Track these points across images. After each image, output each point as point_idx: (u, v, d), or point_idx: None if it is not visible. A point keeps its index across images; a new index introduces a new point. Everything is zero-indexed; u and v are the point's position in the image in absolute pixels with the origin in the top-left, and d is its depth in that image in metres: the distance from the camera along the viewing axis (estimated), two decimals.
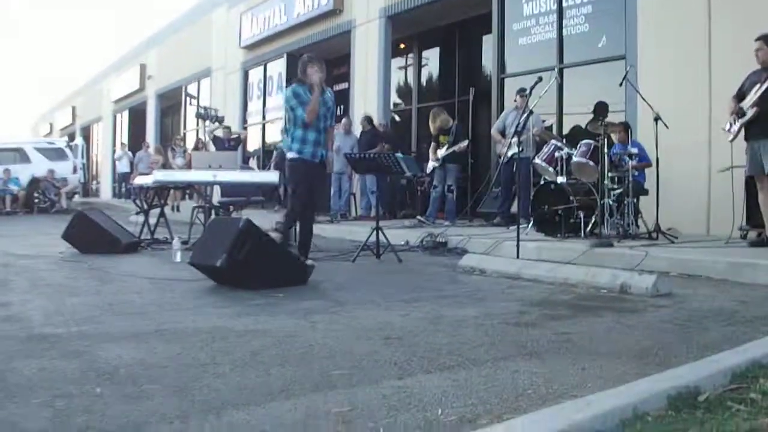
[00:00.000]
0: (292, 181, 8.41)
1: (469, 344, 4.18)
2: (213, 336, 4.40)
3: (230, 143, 18.02)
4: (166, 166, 19.96)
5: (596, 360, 3.76)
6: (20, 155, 26.15)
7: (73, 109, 46.11)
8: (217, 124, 17.69)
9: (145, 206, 11.61)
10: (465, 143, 13.10)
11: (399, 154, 10.12)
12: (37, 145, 28.14)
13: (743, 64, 8.72)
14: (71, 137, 39.47)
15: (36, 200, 25.04)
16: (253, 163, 22.13)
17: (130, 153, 27.62)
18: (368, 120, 15.90)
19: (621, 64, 11.48)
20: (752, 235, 9.00)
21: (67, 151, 27.34)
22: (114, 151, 33.68)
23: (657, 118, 9.62)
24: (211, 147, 18.17)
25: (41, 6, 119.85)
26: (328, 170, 9.18)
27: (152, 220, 11.42)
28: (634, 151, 10.01)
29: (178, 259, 8.69)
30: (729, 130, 8.63)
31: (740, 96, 8.55)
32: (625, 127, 10.56)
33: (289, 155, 8.30)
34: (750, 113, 8.30)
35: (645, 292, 6.02)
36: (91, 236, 9.98)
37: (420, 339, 4.34)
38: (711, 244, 8.86)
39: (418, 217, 13.40)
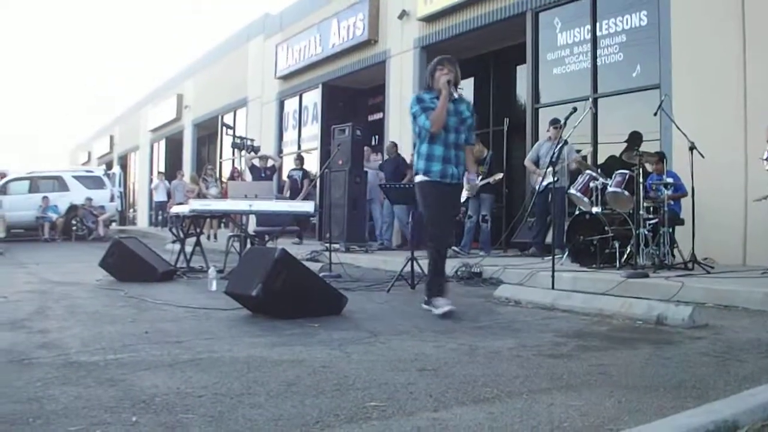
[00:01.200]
0: (422, 206, 7.15)
1: (505, 376, 4.16)
2: (248, 365, 4.41)
3: (266, 172, 18.12)
4: (200, 195, 20.10)
5: (633, 393, 3.74)
6: (59, 183, 26.56)
7: (111, 138, 46.64)
8: (253, 153, 17.83)
9: (182, 235, 11.68)
10: (500, 175, 13.11)
11: None
12: (76, 173, 28.46)
13: None
14: (109, 166, 40.00)
15: (74, 228, 25.29)
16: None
17: (166, 182, 27.85)
18: (394, 146, 15.89)
19: (655, 94, 11.43)
20: None
21: (105, 179, 27.68)
22: (151, 180, 33.94)
23: (692, 148, 9.58)
24: (248, 176, 18.28)
25: (80, 34, 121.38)
26: (469, 193, 8.52)
27: (188, 249, 11.48)
28: (670, 180, 9.98)
29: (214, 287, 8.73)
30: (766, 159, 8.59)
31: None
32: (660, 157, 10.51)
33: (416, 178, 7.14)
34: None
35: (681, 323, 5.97)
36: (128, 264, 10.07)
37: (455, 370, 4.33)
38: (747, 274, 8.76)
39: (453, 247, 13.37)
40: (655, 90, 11.67)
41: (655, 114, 10.05)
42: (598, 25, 13.20)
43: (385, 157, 16.26)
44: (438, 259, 6.93)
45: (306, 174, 19.01)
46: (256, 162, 18.23)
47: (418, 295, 8.37)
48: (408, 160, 15.48)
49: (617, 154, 11.66)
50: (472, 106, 7.46)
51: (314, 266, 10.65)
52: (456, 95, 7.19)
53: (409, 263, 9.11)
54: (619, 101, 12.97)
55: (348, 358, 4.73)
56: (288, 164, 21.69)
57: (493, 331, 6.00)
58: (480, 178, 13.10)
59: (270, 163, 18.96)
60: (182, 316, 6.77)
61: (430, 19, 16.94)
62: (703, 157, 9.57)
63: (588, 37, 13.37)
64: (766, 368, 4.36)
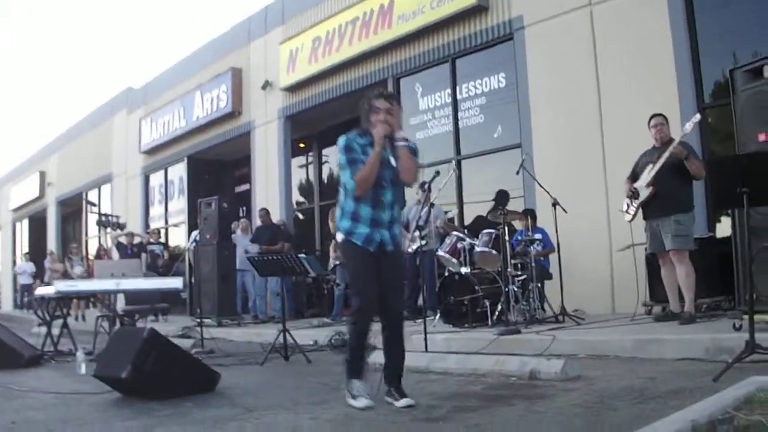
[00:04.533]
0: (346, 270, 6.56)
1: None
2: None
3: (134, 249, 17.79)
4: (66, 274, 19.56)
5: None
6: None
7: None
8: (119, 230, 17.48)
9: (48, 317, 11.30)
10: None
11: (302, 255, 10.06)
12: None
13: (634, 146, 9.05)
14: None
15: None
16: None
17: (31, 264, 27.03)
18: (266, 212, 15.71)
19: (517, 153, 11.74)
20: (657, 310, 9.28)
21: None
22: (14, 262, 32.90)
23: (555, 204, 9.87)
24: (115, 254, 17.90)
25: None
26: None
27: (56, 331, 11.10)
28: (538, 237, 10.19)
29: (83, 371, 8.44)
30: (627, 211, 8.87)
31: (634, 177, 8.82)
32: (527, 214, 10.72)
33: (337, 236, 5.90)
34: (645, 194, 8.55)
35: (554, 376, 6.05)
36: None
37: None
38: (617, 322, 8.99)
39: (325, 319, 13.28)
40: (517, 149, 11.98)
41: (518, 173, 10.31)
42: (458, 88, 13.52)
43: (258, 224, 16.08)
44: (353, 334, 5.72)
45: (166, 247, 18.71)
46: (123, 239, 17.87)
47: (292, 367, 8.29)
48: (281, 227, 15.42)
49: (484, 214, 11.86)
50: (416, 149, 6.03)
51: (186, 343, 10.43)
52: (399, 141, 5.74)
53: (281, 335, 9.01)
54: (483, 162, 13.24)
55: None
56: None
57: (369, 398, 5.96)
58: None
59: (137, 240, 18.62)
60: (51, 402, 6.51)
61: (293, 88, 17.05)
62: (566, 212, 9.86)
63: (449, 100, 13.68)
64: (639, 415, 4.43)
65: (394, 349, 5.75)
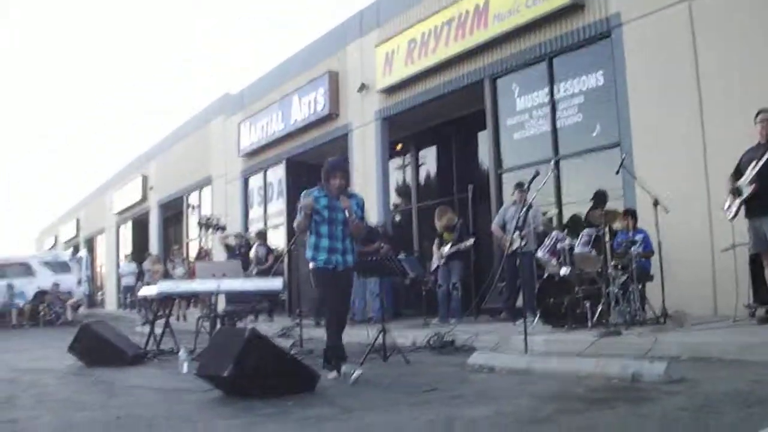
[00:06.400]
0: (317, 290, 8.31)
1: None
2: None
3: (241, 250, 18.03)
4: (166, 275, 19.96)
5: None
6: (25, 269, 26.59)
7: (77, 221, 46.32)
8: (220, 232, 17.74)
9: (150, 317, 11.56)
10: (471, 241, 13.13)
11: (401, 255, 10.09)
12: (42, 258, 28.61)
13: (738, 142, 8.84)
14: (76, 249, 39.70)
15: (42, 313, 25.01)
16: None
17: (134, 264, 27.69)
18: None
19: (616, 152, 11.56)
20: (761, 312, 8.93)
21: (72, 263, 27.87)
22: (118, 265, 33.68)
23: (656, 203, 9.68)
24: (217, 255, 18.14)
25: (45, 121, 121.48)
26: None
27: (158, 331, 11.36)
28: (638, 237, 10.05)
29: (185, 370, 8.61)
30: (728, 210, 8.68)
31: (737, 174, 8.62)
32: (628, 214, 10.56)
33: (310, 264, 8.02)
34: (747, 191, 8.36)
35: (657, 379, 5.96)
36: (97, 349, 9.93)
37: None
38: (719, 324, 8.83)
39: (434, 320, 13.17)
40: (616, 148, 11.81)
41: (617, 172, 10.15)
42: (555, 87, 13.38)
43: None
44: (332, 336, 7.84)
45: (270, 250, 18.91)
46: (230, 240, 18.14)
47: (391, 368, 8.31)
48: (379, 228, 15.45)
49: (582, 214, 11.70)
50: (362, 201, 8.31)
51: (285, 343, 10.56)
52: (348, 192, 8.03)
53: (380, 335, 9.04)
54: (581, 161, 13.07)
55: None
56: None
57: (469, 399, 5.96)
58: (450, 245, 13.12)
59: (244, 241, 18.88)
60: (154, 399, 6.68)
61: (390, 90, 17.11)
62: (667, 211, 9.66)
63: (546, 100, 13.53)
64: (746, 419, 4.35)
65: (339, 335, 7.89)
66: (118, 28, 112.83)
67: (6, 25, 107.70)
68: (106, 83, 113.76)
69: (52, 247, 51.04)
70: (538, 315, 10.54)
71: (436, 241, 13.80)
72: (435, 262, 13.59)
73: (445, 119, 17.49)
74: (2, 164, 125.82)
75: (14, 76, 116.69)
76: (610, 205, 11.22)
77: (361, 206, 8.15)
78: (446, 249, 13.20)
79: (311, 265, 7.94)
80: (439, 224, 13.79)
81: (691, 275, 10.37)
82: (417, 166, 19.43)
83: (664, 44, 11.42)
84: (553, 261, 10.62)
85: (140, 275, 25.94)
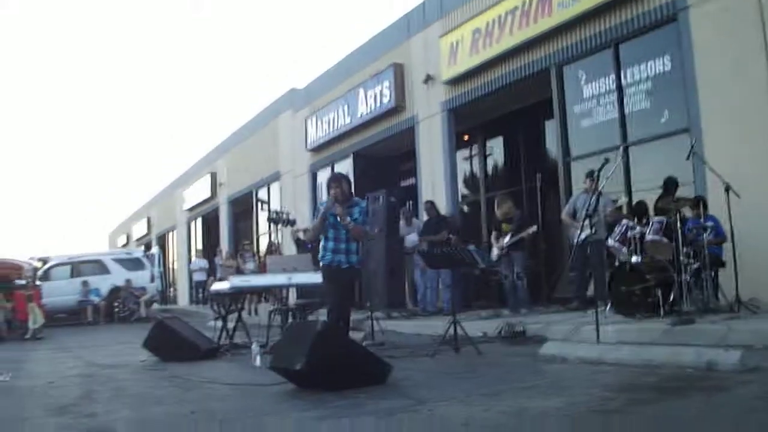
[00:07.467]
0: (323, 285, 9.30)
1: None
2: None
3: (313, 244, 18.13)
4: (238, 270, 20.16)
5: None
6: (99, 267, 27.27)
7: (149, 219, 47.06)
8: (290, 226, 17.86)
9: (223, 312, 11.70)
10: (533, 229, 13.02)
11: (471, 246, 10.08)
12: (115, 256, 29.29)
13: None
14: (148, 246, 40.39)
15: (116, 310, 25.61)
16: None
17: (205, 260, 28.07)
18: (431, 204, 15.80)
19: (685, 138, 11.38)
20: None
21: (144, 260, 28.48)
22: (190, 260, 34.12)
23: (728, 189, 9.49)
24: (287, 249, 18.25)
25: (113, 119, 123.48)
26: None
27: (230, 325, 11.49)
28: (709, 224, 9.89)
29: (258, 363, 8.72)
30: None
31: None
32: (697, 202, 10.41)
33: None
34: None
35: (732, 368, 5.88)
36: (171, 344, 10.11)
37: None
38: None
39: (504, 310, 13.14)
40: (685, 134, 11.64)
41: (688, 158, 9.99)
42: (622, 73, 13.20)
43: (424, 218, 16.15)
44: (331, 320, 8.46)
45: None
46: (301, 234, 18.29)
47: (462, 358, 8.31)
48: (448, 219, 15.43)
49: (648, 201, 11.54)
50: (364, 207, 9.46)
51: (356, 335, 10.62)
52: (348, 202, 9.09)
53: (452, 326, 9.04)
54: (650, 148, 12.89)
55: (398, 427, 4.69)
56: None
57: (541, 390, 5.94)
58: (509, 235, 13.04)
59: None
60: (228, 393, 6.77)
61: (455, 81, 17.05)
62: (738, 197, 9.48)
63: (613, 86, 13.37)
64: None
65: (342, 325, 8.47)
66: (185, 26, 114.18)
67: (85, 22, 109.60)
68: (173, 82, 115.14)
69: (125, 245, 51.97)
70: (609, 304, 10.44)
71: (494, 232, 13.70)
72: (495, 253, 13.50)
73: (511, 109, 17.38)
74: (77, 165, 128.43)
75: (86, 78, 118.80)
76: (680, 192, 11.05)
77: (363, 212, 9.19)
78: (506, 240, 13.12)
79: (321, 263, 9.02)
80: (498, 212, 13.64)
81: (765, 262, 10.18)
82: (484, 157, 19.35)
83: (731, 26, 11.19)
84: (624, 249, 10.51)
85: (210, 271, 26.30)
